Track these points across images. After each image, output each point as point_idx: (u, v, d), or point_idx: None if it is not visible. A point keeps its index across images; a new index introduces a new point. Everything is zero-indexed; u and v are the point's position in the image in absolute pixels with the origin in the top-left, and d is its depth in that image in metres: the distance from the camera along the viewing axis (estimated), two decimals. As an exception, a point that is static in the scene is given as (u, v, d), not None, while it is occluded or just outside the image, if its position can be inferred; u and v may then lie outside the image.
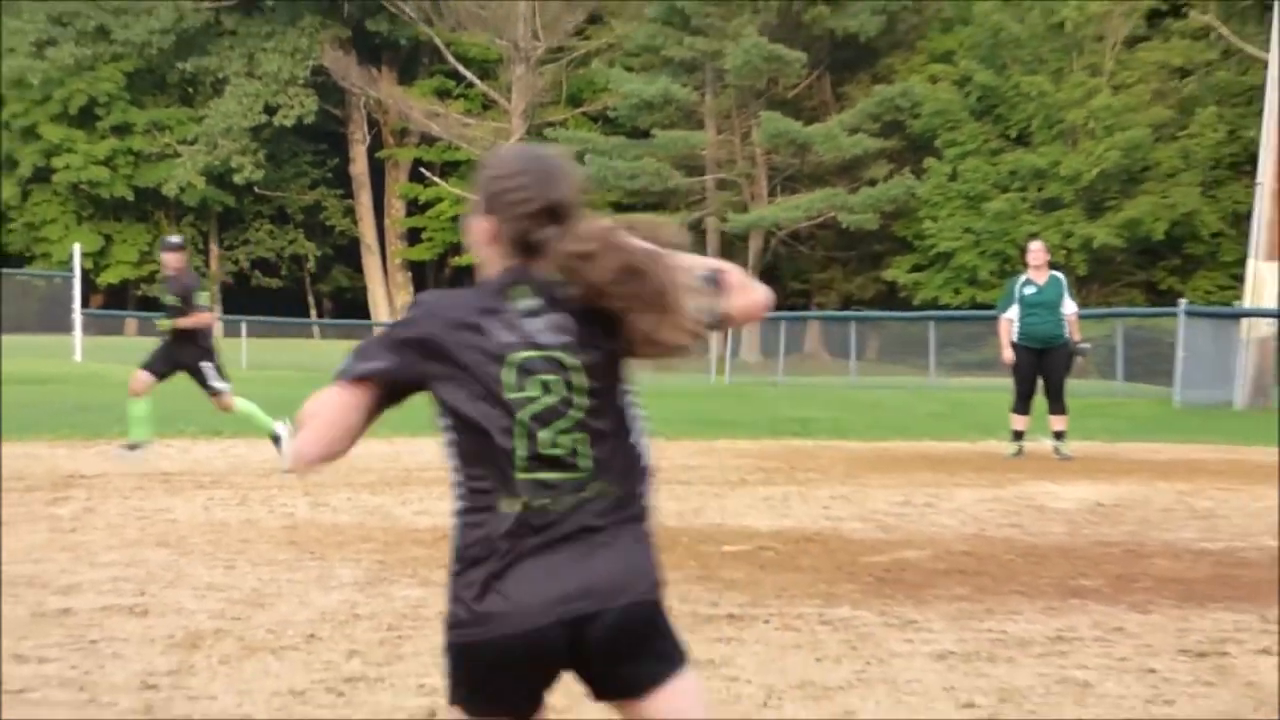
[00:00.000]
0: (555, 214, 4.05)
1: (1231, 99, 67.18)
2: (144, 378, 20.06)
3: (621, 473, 4.09)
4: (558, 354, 4.03)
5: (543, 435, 3.92)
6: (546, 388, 3.99)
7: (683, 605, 10.58)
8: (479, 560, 3.89)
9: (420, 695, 7.96)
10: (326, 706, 7.90)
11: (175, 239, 21.21)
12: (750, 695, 8.31)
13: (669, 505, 16.14)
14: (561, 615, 3.85)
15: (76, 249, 66.39)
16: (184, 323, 20.12)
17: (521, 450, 3.91)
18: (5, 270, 72.00)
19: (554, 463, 3.96)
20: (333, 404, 4.12)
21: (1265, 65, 46.70)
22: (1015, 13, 70.14)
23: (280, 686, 8.30)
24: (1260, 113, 44.84)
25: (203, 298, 21.19)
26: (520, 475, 3.90)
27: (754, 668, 8.97)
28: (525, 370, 3.97)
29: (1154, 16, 70.52)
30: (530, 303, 4.04)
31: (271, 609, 10.58)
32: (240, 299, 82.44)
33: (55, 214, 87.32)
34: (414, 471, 21.07)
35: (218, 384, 20.19)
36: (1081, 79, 68.52)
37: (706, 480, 20.04)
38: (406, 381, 4.08)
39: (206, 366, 20.01)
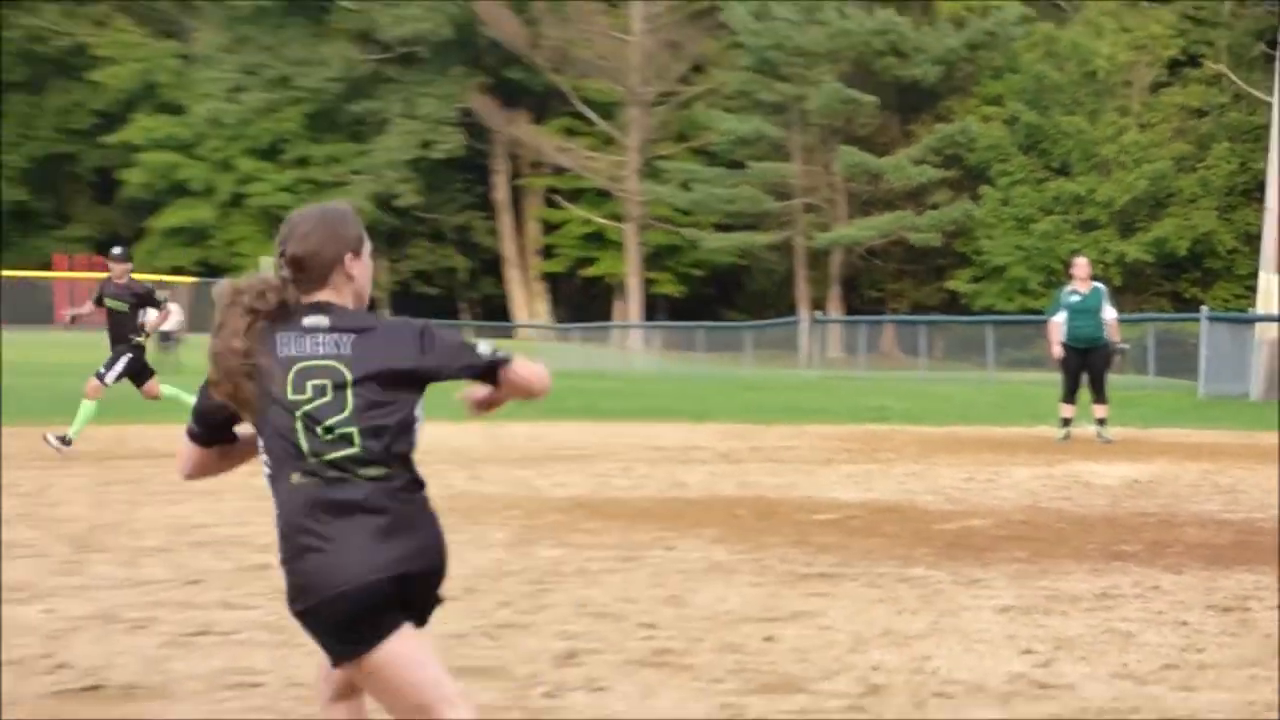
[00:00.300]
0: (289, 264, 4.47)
1: (1242, 136, 72.00)
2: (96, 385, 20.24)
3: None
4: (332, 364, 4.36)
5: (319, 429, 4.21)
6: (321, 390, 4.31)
7: (782, 565, 11.93)
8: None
9: (561, 639, 8.79)
10: (483, 648, 8.79)
11: (119, 250, 21.13)
12: (840, 642, 9.09)
13: (769, 480, 19.10)
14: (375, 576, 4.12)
15: (264, 262, 72.45)
16: (155, 322, 21.06)
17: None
18: (207, 279, 74.83)
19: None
20: None
21: (1270, 107, 50.67)
22: (1055, 62, 75.30)
23: (444, 631, 8.81)
24: (1267, 148, 48.48)
25: (161, 296, 21.94)
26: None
27: (843, 619, 9.80)
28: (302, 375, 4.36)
29: (1174, 65, 76.26)
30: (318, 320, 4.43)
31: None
32: (404, 305, 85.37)
33: (248, 233, 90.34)
34: (554, 450, 23.56)
35: (110, 376, 20.20)
36: (1113, 119, 73.71)
37: (799, 459, 21.85)
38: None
39: (124, 358, 20.30)
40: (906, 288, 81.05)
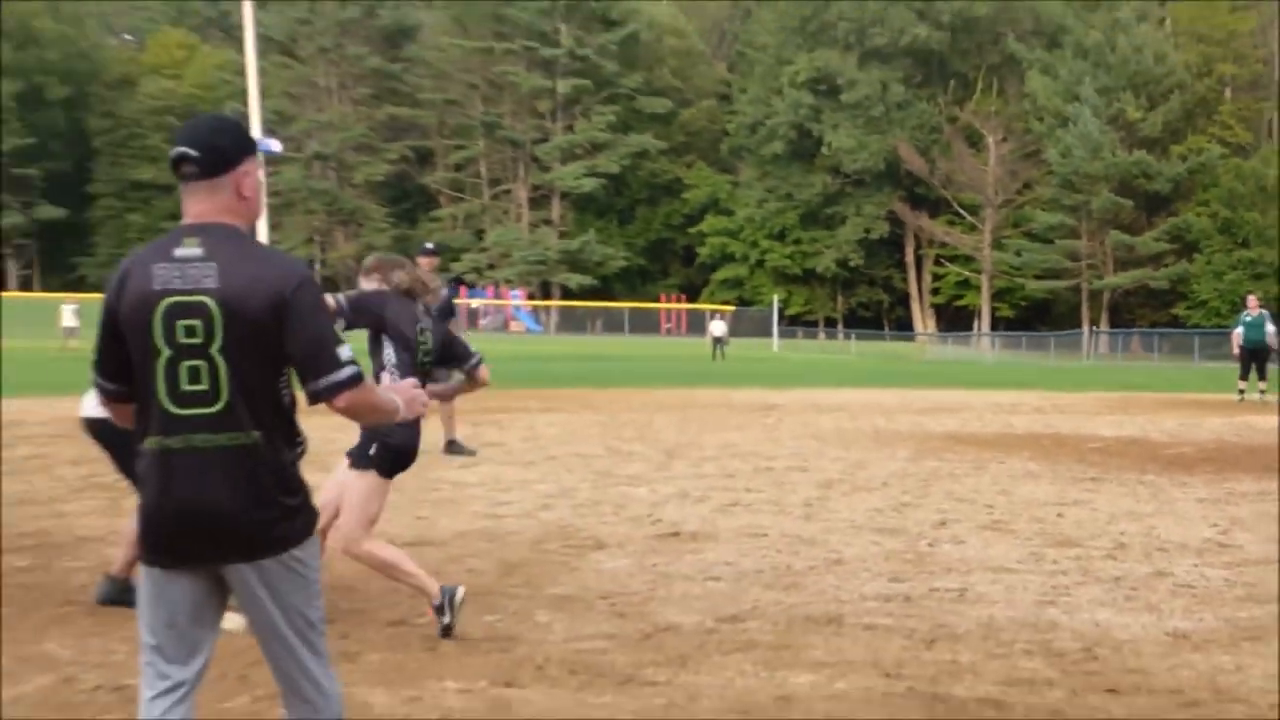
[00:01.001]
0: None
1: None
2: None
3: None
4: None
5: None
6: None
7: (1068, 472, 15.23)
8: None
9: (936, 513, 11.72)
10: (891, 517, 10.76)
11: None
12: (1102, 518, 11.59)
13: (1062, 423, 23.20)
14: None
15: (774, 299, 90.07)
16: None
17: None
18: (740, 306, 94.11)
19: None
20: None
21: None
22: (1241, 180, 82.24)
23: (840, 516, 11.39)
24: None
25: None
26: None
27: (1103, 504, 12.62)
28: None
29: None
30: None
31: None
32: (850, 324, 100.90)
33: (765, 282, 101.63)
34: (937, 405, 27.74)
35: None
36: (1275, 215, 78.21)
37: (1082, 411, 24.99)
38: None
39: None
40: (1147, 313, 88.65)
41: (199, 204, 4.06)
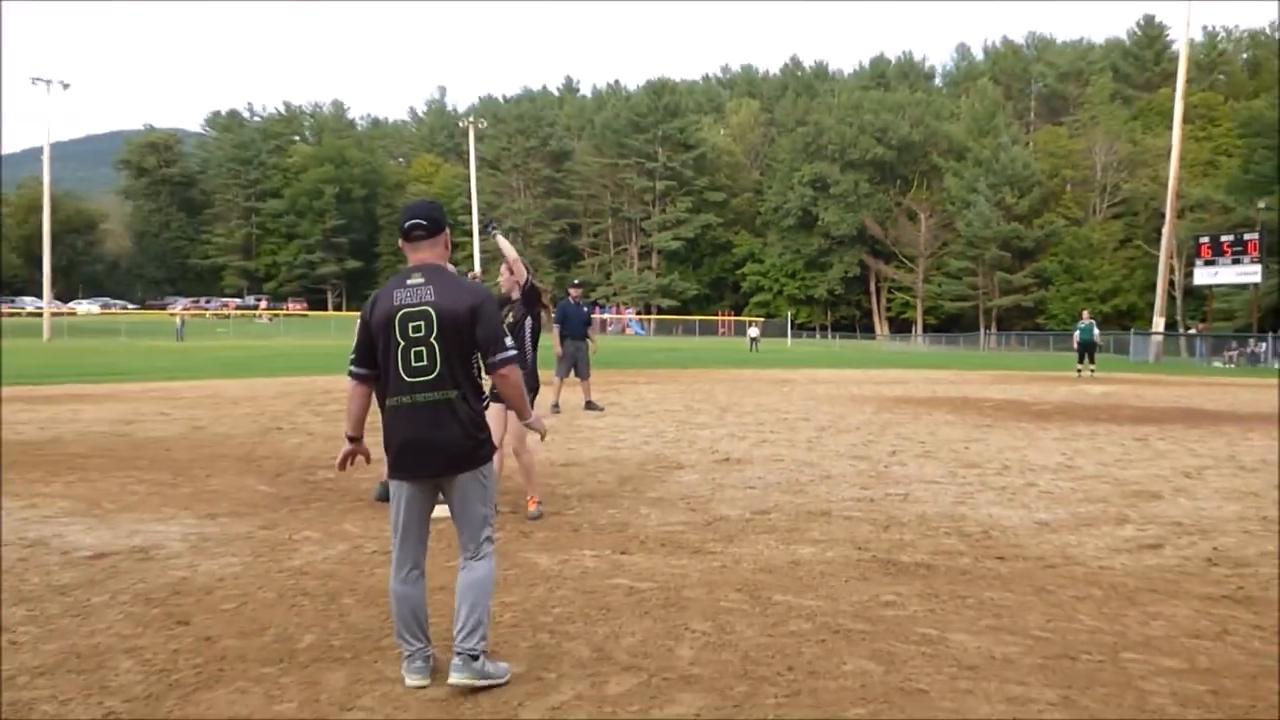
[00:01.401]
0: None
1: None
2: None
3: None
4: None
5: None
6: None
7: (971, 421, 14.47)
8: None
9: (1001, 463, 14.66)
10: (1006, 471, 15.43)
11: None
12: (990, 450, 11.48)
13: (967, 390, 24.00)
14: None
15: (789, 314, 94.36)
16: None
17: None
18: (767, 318, 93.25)
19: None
20: None
21: None
22: None
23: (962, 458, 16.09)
24: None
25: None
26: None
27: (994, 441, 13.42)
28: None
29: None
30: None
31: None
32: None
33: (783, 303, 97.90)
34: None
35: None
36: None
37: (978, 383, 27.25)
38: None
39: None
40: (1020, 321, 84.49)
41: (422, 253, 4.29)
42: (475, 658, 4.11)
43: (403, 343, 4.15)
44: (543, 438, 4.90)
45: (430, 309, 4.14)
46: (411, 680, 4.20)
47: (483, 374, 4.37)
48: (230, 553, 6.46)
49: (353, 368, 4.34)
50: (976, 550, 6.69)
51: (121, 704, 3.99)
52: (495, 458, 4.41)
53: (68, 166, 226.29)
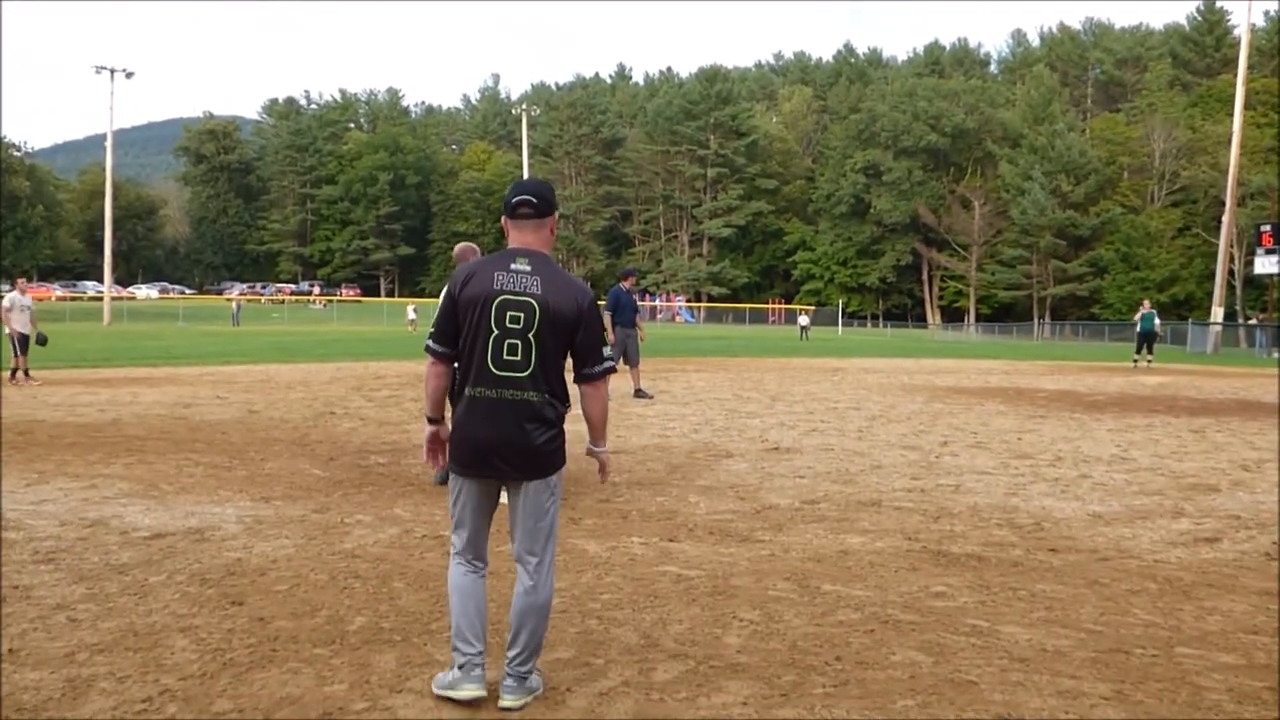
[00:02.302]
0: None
1: None
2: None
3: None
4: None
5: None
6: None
7: (1024, 412, 14.37)
8: None
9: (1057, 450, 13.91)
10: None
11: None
12: (1043, 440, 11.33)
13: (1020, 381, 23.36)
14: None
15: (840, 302, 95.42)
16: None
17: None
18: (818, 307, 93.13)
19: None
20: None
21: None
22: None
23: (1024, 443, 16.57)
24: None
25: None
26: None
27: (1047, 431, 12.49)
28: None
29: None
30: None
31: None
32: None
33: (834, 291, 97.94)
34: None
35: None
36: None
37: (1032, 374, 29.63)
38: None
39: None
40: (1074, 311, 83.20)
41: (527, 235, 3.90)
42: (526, 677, 3.90)
43: (496, 331, 3.79)
44: (603, 479, 4.30)
45: (534, 302, 3.78)
46: (468, 691, 3.85)
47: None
48: (284, 535, 6.53)
49: (432, 343, 3.94)
50: (1028, 542, 6.61)
51: (176, 682, 4.05)
52: None
53: (129, 153, 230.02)
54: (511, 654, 3.89)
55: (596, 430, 4.07)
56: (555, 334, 3.79)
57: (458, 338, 3.86)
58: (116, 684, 4.01)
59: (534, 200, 3.87)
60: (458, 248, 7.85)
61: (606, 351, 3.92)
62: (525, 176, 76.42)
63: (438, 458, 4.07)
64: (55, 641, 4.48)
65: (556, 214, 3.99)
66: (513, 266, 3.81)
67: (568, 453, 4.02)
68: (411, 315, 59.36)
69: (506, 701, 3.85)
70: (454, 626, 3.94)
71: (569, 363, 3.89)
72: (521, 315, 3.76)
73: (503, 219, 3.94)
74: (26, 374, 17.60)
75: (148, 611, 4.93)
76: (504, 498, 3.98)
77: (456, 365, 3.90)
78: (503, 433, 3.77)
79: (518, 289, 3.78)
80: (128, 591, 5.25)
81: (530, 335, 3.76)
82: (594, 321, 3.88)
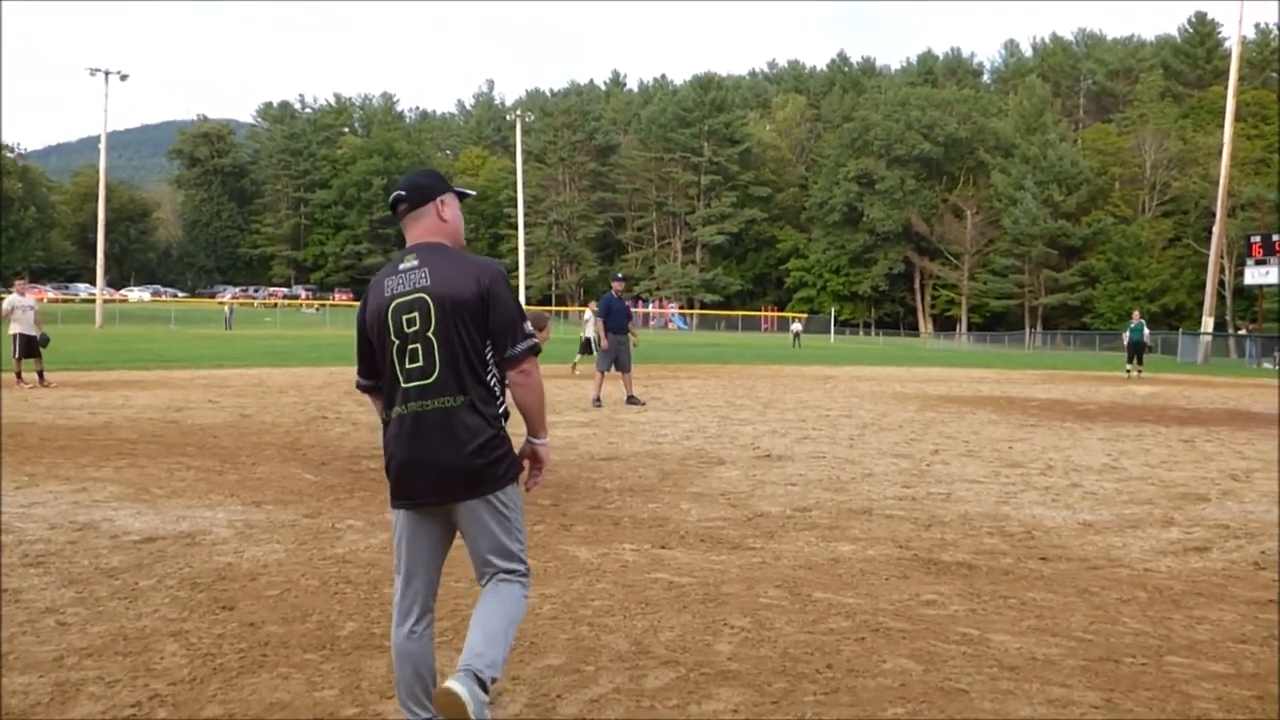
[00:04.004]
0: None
1: None
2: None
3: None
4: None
5: None
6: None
7: (1015, 420, 14.35)
8: None
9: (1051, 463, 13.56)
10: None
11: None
12: (1034, 449, 11.44)
13: (1011, 390, 24.69)
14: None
15: (832, 310, 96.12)
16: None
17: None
18: (810, 314, 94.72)
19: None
20: None
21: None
22: None
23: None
24: None
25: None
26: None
27: (1038, 440, 12.59)
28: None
29: None
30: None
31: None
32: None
33: (827, 299, 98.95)
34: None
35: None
36: None
37: (1023, 382, 30.20)
38: None
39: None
40: (1066, 320, 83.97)
41: (414, 230, 3.49)
42: (483, 684, 3.18)
43: (397, 341, 3.38)
44: (534, 480, 3.64)
45: (425, 295, 3.34)
46: None
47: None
48: (275, 540, 6.51)
49: (359, 378, 3.61)
50: (1019, 550, 6.60)
51: (166, 687, 4.03)
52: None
53: (123, 155, 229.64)
54: (465, 653, 3.26)
55: (533, 419, 3.53)
56: (458, 324, 3.33)
57: (375, 364, 3.50)
58: (106, 688, 3.99)
59: (404, 193, 3.48)
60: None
61: (527, 328, 3.43)
62: (520, 183, 76.56)
63: None
64: (44, 645, 4.46)
65: (446, 193, 3.53)
66: (401, 267, 3.42)
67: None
68: None
69: (450, 684, 3.15)
70: (398, 694, 3.47)
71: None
72: (416, 315, 3.34)
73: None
74: (40, 376, 17.67)
75: (138, 616, 4.91)
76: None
77: None
78: (420, 449, 3.32)
79: (407, 288, 3.37)
80: (118, 595, 5.23)
81: (429, 333, 3.32)
82: (501, 298, 3.38)
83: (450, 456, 3.31)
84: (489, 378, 3.41)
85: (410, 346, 3.35)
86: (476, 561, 3.44)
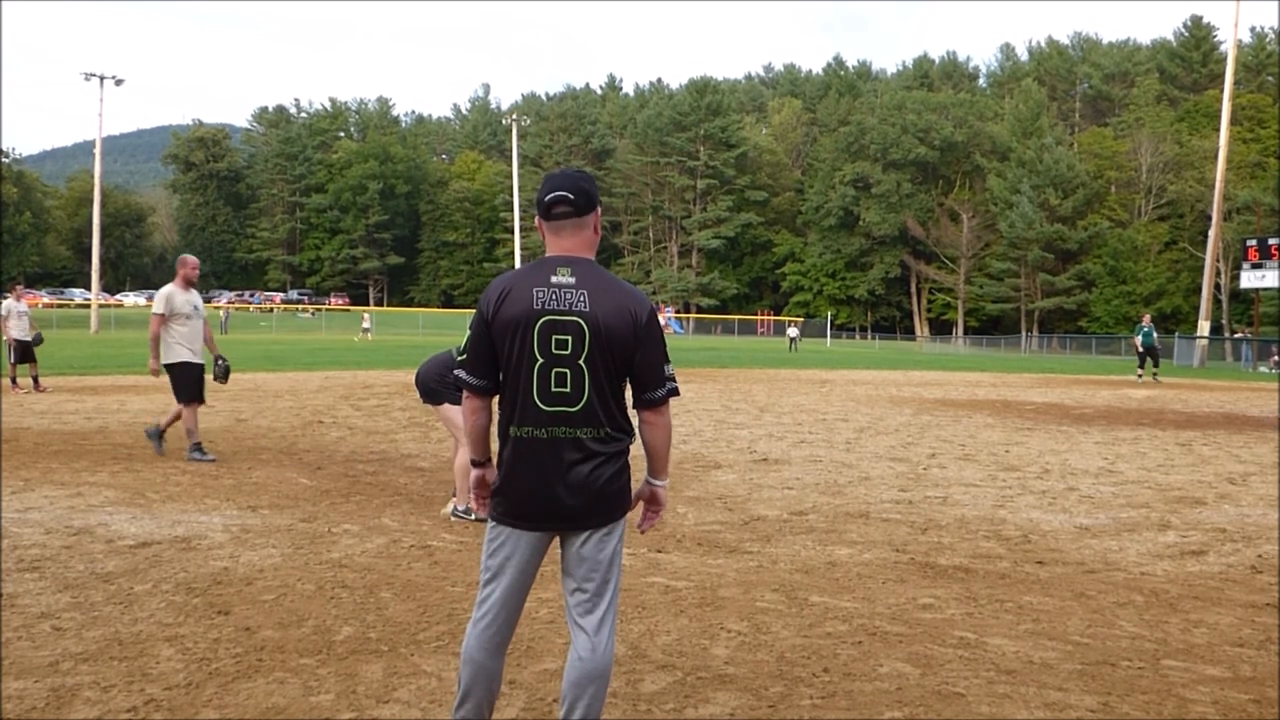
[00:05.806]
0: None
1: None
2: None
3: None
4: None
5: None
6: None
7: (1012, 424, 14.39)
8: None
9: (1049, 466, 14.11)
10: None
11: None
12: (1031, 453, 11.48)
13: (1007, 394, 24.11)
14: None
15: (829, 314, 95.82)
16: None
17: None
18: (807, 318, 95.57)
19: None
20: None
21: None
22: None
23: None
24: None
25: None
26: None
27: (1034, 444, 12.59)
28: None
29: None
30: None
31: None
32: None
33: (823, 303, 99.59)
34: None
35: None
36: None
37: (1019, 386, 29.11)
38: None
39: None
40: (1062, 324, 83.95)
41: (567, 240, 3.29)
42: None
43: (541, 360, 3.20)
44: (650, 522, 3.71)
45: (582, 321, 3.18)
46: None
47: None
48: (270, 544, 6.51)
49: (465, 374, 3.34)
50: (1016, 554, 6.62)
51: (162, 691, 4.03)
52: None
53: (118, 160, 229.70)
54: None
55: (659, 462, 3.45)
56: (610, 357, 3.20)
57: (496, 367, 3.29)
58: (101, 693, 3.99)
59: (571, 196, 3.25)
60: (180, 259, 7.86)
61: (668, 370, 3.34)
62: (516, 187, 76.52)
63: (487, 503, 3.46)
64: (40, 650, 4.46)
65: (599, 209, 3.37)
66: (554, 279, 3.20)
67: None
68: (366, 324, 58.85)
69: None
70: (455, 702, 3.39)
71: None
72: (569, 338, 3.18)
73: (537, 221, 3.36)
74: (35, 382, 17.72)
75: (133, 620, 4.91)
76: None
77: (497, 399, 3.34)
78: (557, 477, 3.21)
79: (562, 306, 3.18)
80: (113, 600, 5.23)
81: (580, 361, 3.18)
82: (654, 337, 3.28)
83: (585, 485, 3.24)
84: (628, 411, 3.34)
85: (558, 370, 3.21)
86: (581, 587, 3.33)
